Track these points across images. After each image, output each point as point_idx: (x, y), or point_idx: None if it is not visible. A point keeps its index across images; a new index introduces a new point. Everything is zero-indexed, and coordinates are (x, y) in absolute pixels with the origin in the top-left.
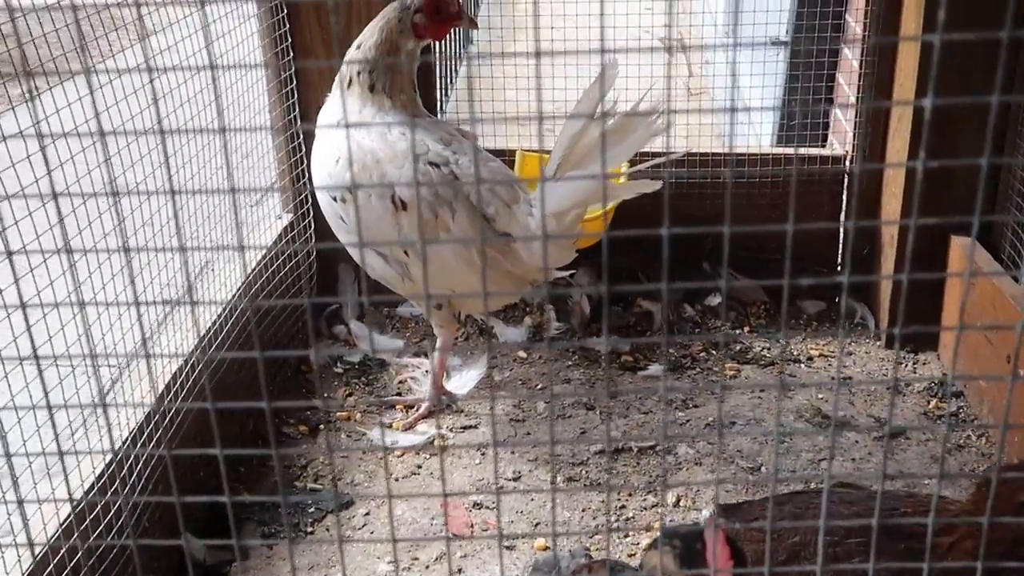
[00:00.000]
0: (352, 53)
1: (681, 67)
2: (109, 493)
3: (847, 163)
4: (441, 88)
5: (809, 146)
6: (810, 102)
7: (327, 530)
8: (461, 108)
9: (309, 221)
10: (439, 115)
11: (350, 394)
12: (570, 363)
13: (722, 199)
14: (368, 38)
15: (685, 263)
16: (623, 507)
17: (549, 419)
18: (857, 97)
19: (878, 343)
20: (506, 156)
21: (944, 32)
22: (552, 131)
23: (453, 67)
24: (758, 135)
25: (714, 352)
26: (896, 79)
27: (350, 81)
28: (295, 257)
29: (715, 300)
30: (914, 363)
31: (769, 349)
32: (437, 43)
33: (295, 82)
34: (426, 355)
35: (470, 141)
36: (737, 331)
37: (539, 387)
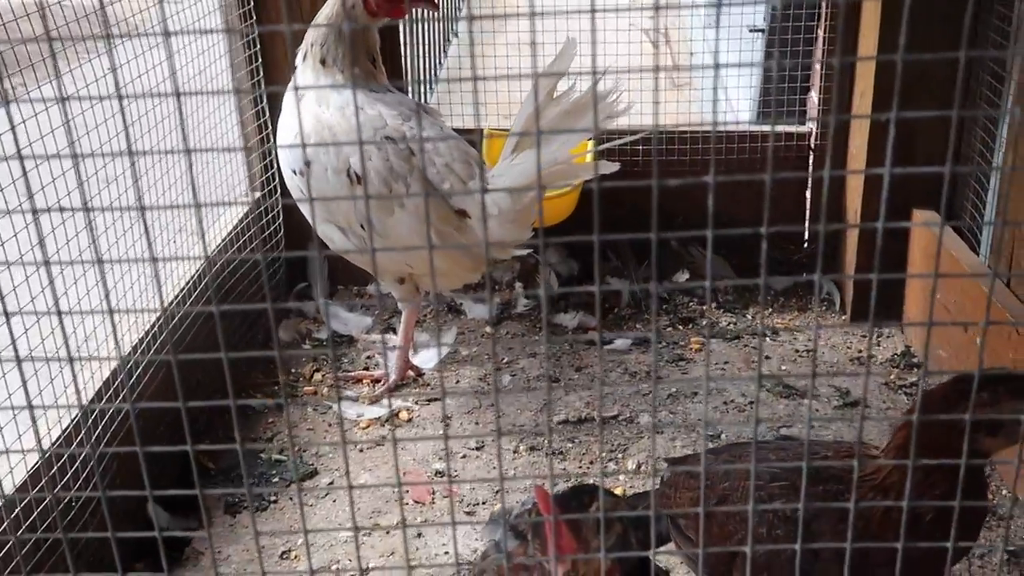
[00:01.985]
0: (309, 28)
1: (664, 57)
2: (74, 445)
3: (811, 140)
4: (427, 65)
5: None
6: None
7: (290, 499)
8: (451, 86)
9: (276, 199)
10: (416, 93)
11: (317, 370)
12: (536, 338)
13: (694, 175)
14: (322, 13)
15: (651, 242)
16: (584, 474)
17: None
18: (823, 73)
19: (844, 316)
20: (474, 135)
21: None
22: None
23: (441, 46)
24: (735, 111)
25: (680, 327)
26: (857, 70)
27: (304, 55)
28: (262, 234)
29: (683, 276)
30: (877, 336)
31: (735, 323)
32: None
33: (259, 46)
34: (394, 331)
35: (432, 117)
36: (704, 307)
37: (505, 361)
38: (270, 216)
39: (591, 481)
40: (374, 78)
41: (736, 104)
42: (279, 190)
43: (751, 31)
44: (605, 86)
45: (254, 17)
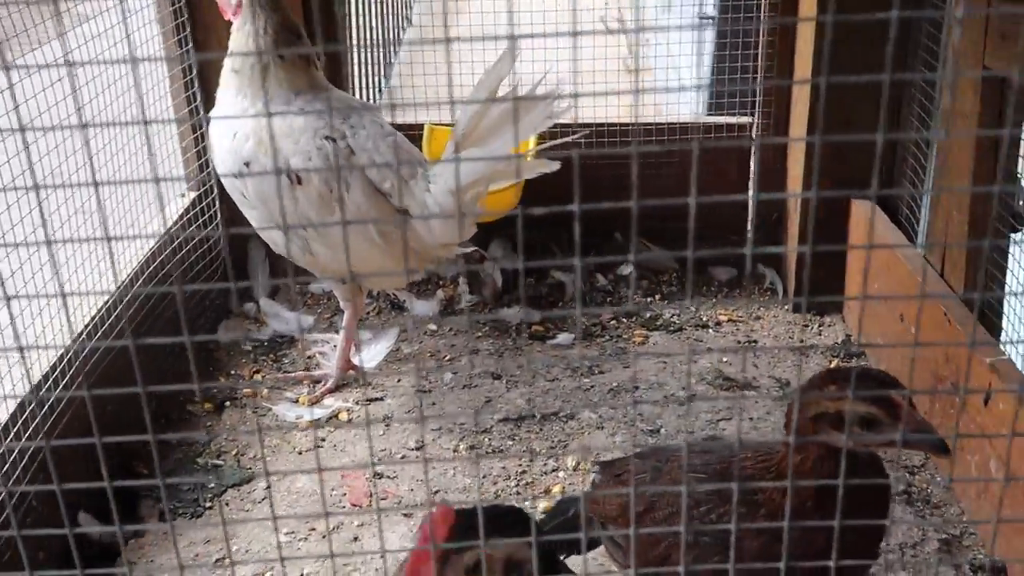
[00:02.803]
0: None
1: (621, 47)
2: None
3: (752, 132)
4: (377, 64)
5: (738, 114)
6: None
7: (226, 504)
8: (404, 82)
9: (213, 198)
10: (364, 93)
11: (257, 371)
12: (480, 334)
13: (643, 168)
14: (244, 23)
15: (597, 234)
16: (524, 472)
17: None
18: (759, 64)
19: (786, 307)
20: (416, 131)
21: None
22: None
23: (394, 44)
24: (681, 103)
25: (624, 320)
26: (797, 49)
27: (236, 64)
28: (199, 234)
29: (627, 269)
30: (819, 325)
31: (679, 315)
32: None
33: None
34: (335, 330)
35: (373, 115)
36: (648, 299)
37: (448, 358)
38: (207, 216)
39: (531, 479)
40: (312, 78)
41: (690, 93)
42: (215, 190)
43: (701, 20)
44: (546, 86)
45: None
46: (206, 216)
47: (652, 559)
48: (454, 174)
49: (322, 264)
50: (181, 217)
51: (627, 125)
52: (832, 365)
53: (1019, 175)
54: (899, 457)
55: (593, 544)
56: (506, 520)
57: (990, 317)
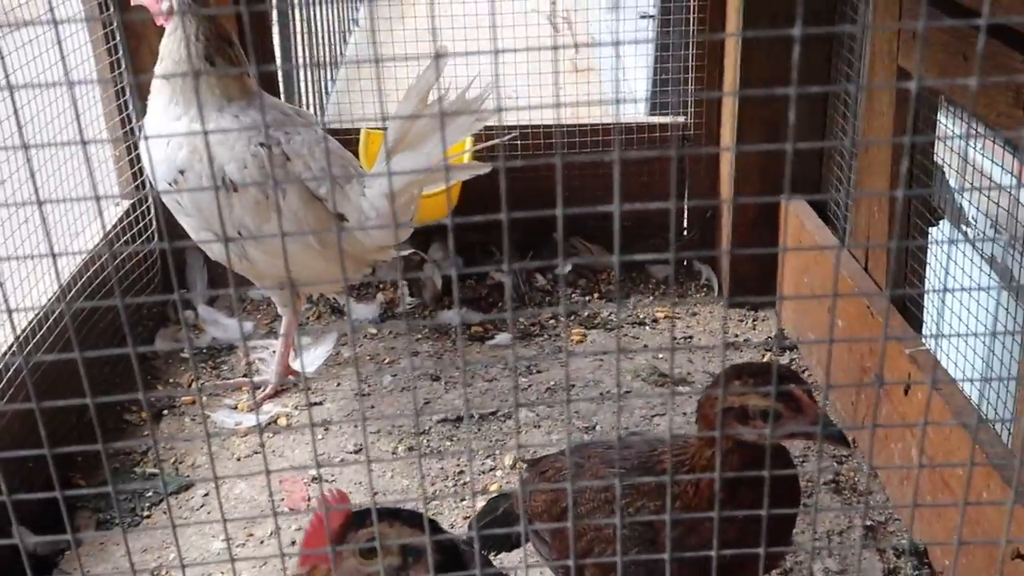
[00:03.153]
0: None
1: (567, 47)
2: None
3: (683, 131)
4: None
5: (681, 115)
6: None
7: (164, 513)
8: (351, 86)
9: (148, 206)
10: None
11: (196, 378)
12: (420, 336)
13: (572, 171)
14: (174, 35)
15: (537, 234)
16: (461, 472)
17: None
18: (692, 65)
19: (722, 302)
20: (352, 135)
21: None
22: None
23: (337, 51)
24: (635, 99)
25: (562, 319)
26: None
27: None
28: (136, 243)
29: (566, 269)
30: (753, 320)
31: (616, 313)
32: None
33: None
34: (275, 336)
35: (306, 121)
36: (587, 298)
37: (387, 361)
38: (142, 224)
39: (468, 479)
40: (245, 85)
41: (635, 91)
42: (150, 198)
43: (642, 18)
44: (475, 91)
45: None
46: (141, 224)
47: (575, 552)
48: (388, 178)
49: (259, 270)
50: (115, 226)
51: (563, 127)
52: (764, 359)
53: (941, 166)
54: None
55: (515, 544)
56: (402, 514)
57: (912, 309)
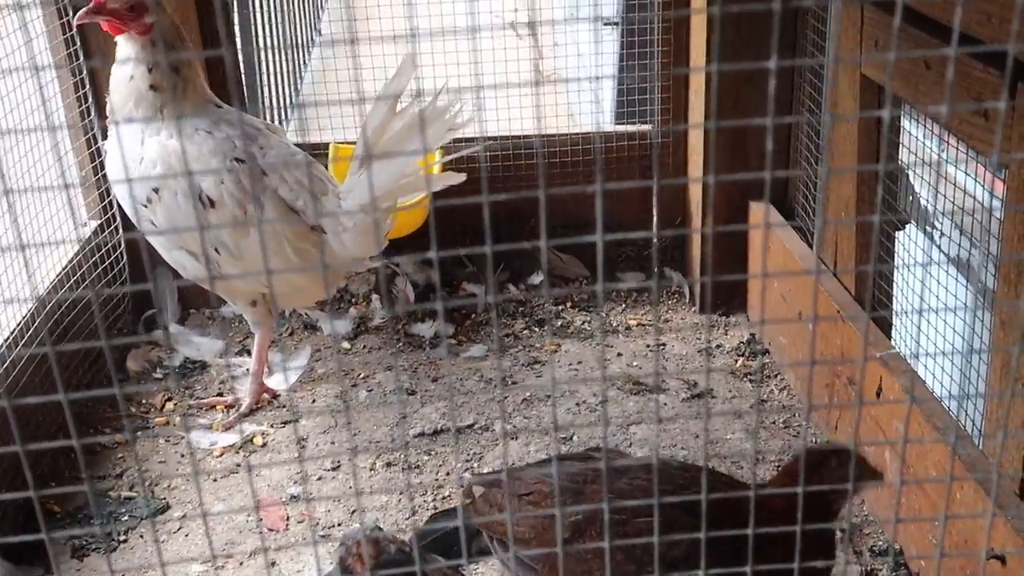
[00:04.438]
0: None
1: (531, 49)
2: None
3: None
4: (288, 80)
5: (648, 122)
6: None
7: (141, 537)
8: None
9: (117, 226)
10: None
11: (169, 399)
12: (394, 350)
13: (549, 178)
14: (127, 57)
15: (507, 241)
16: (440, 486)
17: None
18: (658, 72)
19: (693, 308)
20: (321, 149)
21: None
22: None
23: (301, 59)
24: (600, 109)
25: (536, 329)
26: (691, 56)
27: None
28: (101, 264)
29: (538, 279)
30: (725, 325)
31: (589, 322)
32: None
33: (88, 84)
34: (248, 353)
35: (279, 136)
36: (560, 307)
37: (362, 376)
38: (109, 246)
39: (447, 493)
40: (211, 101)
41: (601, 101)
42: (119, 219)
43: (604, 24)
44: (446, 100)
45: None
46: (109, 245)
47: None
48: (362, 189)
49: (234, 287)
50: (82, 248)
51: (529, 136)
52: (738, 364)
53: (904, 168)
54: None
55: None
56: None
57: (883, 316)
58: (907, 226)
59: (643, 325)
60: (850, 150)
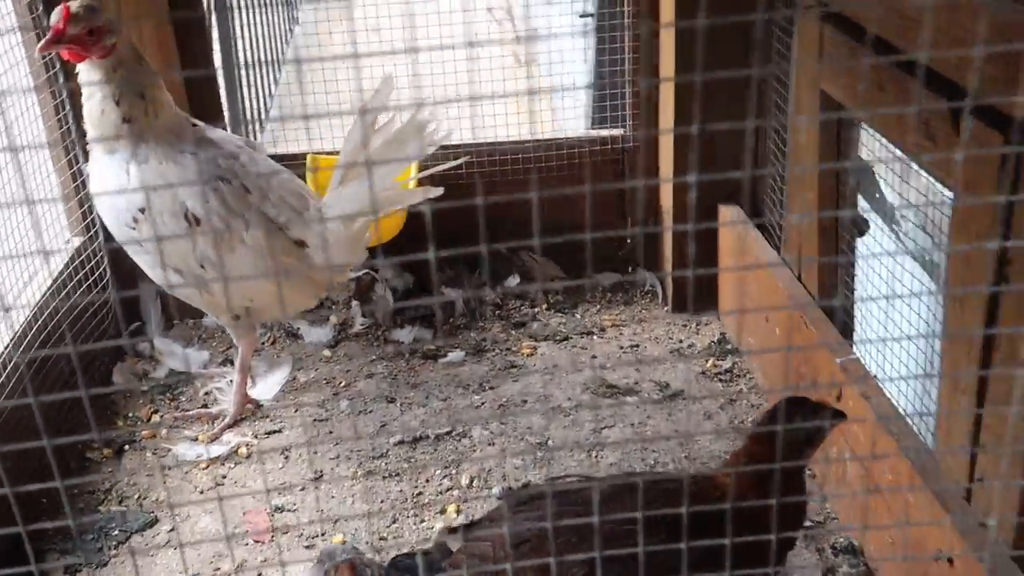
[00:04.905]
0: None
1: (509, 47)
2: None
3: (623, 142)
4: (259, 93)
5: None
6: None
7: (131, 552)
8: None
9: (99, 243)
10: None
11: (155, 411)
12: (374, 357)
13: (518, 187)
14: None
15: (487, 247)
16: (420, 493)
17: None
18: (629, 80)
19: (666, 308)
20: (299, 160)
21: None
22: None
23: (272, 74)
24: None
25: (513, 332)
26: (661, 62)
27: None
28: (88, 280)
29: (514, 282)
30: (697, 325)
31: (564, 324)
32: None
33: (68, 106)
34: (232, 363)
35: (259, 152)
36: (535, 310)
37: (343, 384)
38: (94, 261)
39: (427, 500)
40: (186, 122)
41: (580, 106)
42: (101, 235)
43: (580, 17)
44: (424, 115)
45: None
46: (93, 262)
47: None
48: (341, 204)
49: (220, 302)
50: (68, 265)
51: (503, 143)
52: (708, 364)
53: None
54: None
55: None
56: None
57: (843, 318)
58: (868, 231)
59: (617, 326)
60: (812, 157)
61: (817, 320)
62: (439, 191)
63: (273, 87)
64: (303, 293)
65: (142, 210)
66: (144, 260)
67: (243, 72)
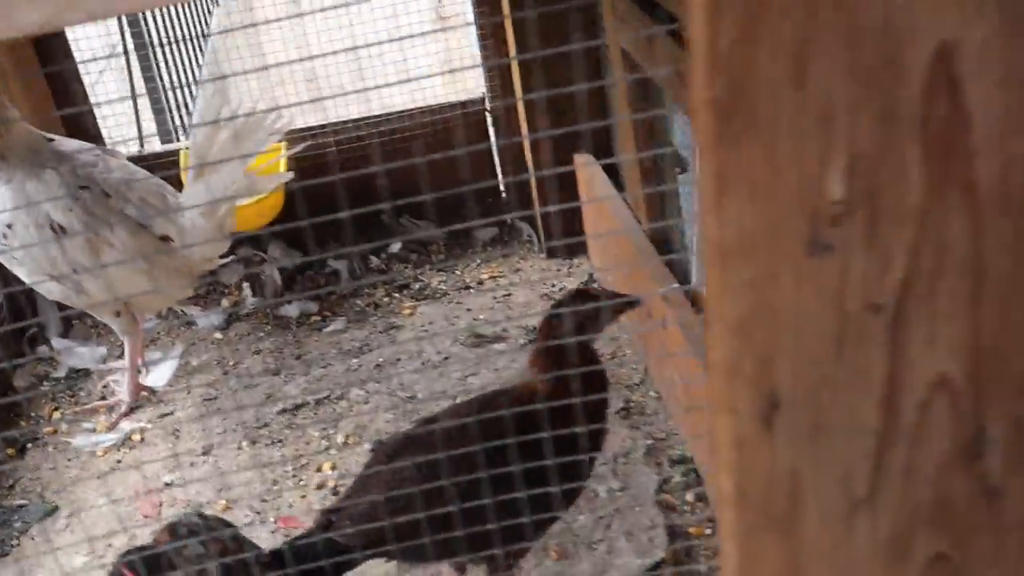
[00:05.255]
0: None
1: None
2: None
3: (485, 103)
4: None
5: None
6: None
7: (32, 538)
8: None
9: None
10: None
11: (56, 408)
12: (262, 334)
13: (392, 156)
14: None
15: (364, 217)
16: (300, 455)
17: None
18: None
19: (542, 255)
20: (173, 156)
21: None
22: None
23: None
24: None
25: (396, 295)
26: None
27: None
28: None
29: (396, 247)
30: (570, 267)
31: (445, 282)
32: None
33: None
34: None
35: (117, 158)
36: (419, 271)
37: (232, 364)
38: None
39: (306, 462)
40: (33, 131)
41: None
42: None
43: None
44: (265, 112)
45: None
46: None
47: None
48: (200, 197)
49: (97, 302)
50: None
51: (370, 117)
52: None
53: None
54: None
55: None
56: None
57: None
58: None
59: (495, 278)
60: (624, 107)
61: (647, 251)
62: (289, 175)
63: (191, 103)
64: (175, 284)
65: (10, 226)
66: (20, 271)
67: (167, 94)
